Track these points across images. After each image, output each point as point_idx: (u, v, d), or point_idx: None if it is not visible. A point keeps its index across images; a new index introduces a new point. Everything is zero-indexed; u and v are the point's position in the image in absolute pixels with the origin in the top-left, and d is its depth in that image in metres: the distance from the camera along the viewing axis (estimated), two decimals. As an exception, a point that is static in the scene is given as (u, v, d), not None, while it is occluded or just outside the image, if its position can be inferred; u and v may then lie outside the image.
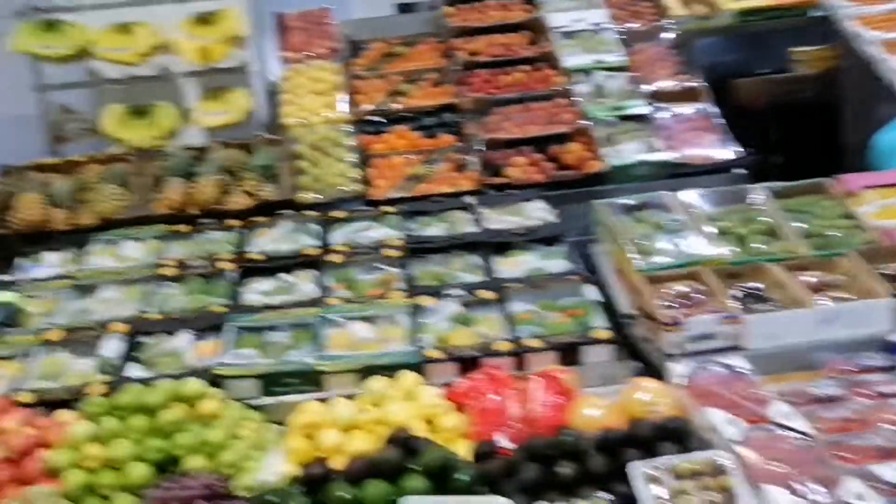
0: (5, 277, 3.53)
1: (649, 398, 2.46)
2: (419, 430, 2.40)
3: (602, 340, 2.83)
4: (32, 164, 4.07)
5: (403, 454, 2.25)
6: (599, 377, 2.78)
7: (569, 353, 2.80)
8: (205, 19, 4.28)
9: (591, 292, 3.10)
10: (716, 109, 4.46)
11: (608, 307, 3.05)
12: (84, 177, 3.96)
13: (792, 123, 5.70)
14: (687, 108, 4.48)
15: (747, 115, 4.77)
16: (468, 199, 3.82)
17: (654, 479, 2.11)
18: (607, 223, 3.28)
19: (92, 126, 4.49)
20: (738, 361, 2.61)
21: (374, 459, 2.26)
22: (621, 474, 2.18)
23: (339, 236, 3.62)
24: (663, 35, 4.93)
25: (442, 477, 2.20)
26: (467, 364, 2.75)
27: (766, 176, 3.98)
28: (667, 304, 2.82)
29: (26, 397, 2.65)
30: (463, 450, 2.36)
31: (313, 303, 3.13)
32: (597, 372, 2.79)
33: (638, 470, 2.14)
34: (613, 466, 2.22)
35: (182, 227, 3.76)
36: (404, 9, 6.72)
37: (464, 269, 3.33)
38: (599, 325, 2.91)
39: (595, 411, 2.46)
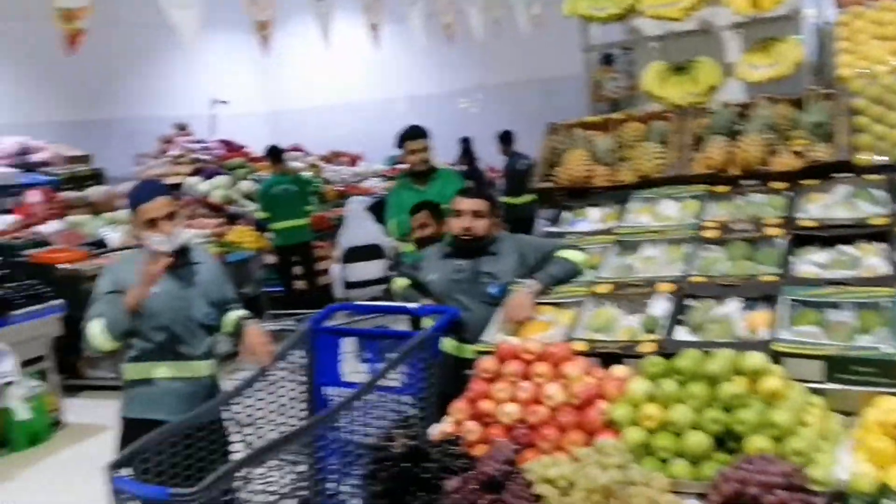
0: (553, 229, 3.77)
1: None
2: None
3: None
4: (577, 122, 4.25)
5: None
6: None
7: None
8: (758, -35, 3.98)
9: None
10: None
11: None
12: (625, 134, 4.01)
13: None
14: None
15: None
16: None
17: None
18: None
19: (632, 84, 4.55)
20: None
21: None
22: None
23: (911, 205, 3.09)
24: None
25: None
26: None
27: None
28: None
29: (581, 346, 2.75)
30: None
31: (884, 281, 2.70)
32: None
33: None
34: None
35: (721, 188, 3.59)
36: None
37: None
38: None
39: None
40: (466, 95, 13.47)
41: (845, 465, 2.11)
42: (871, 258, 2.88)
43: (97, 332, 3.02)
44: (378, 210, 7.01)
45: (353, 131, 13.26)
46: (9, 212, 7.61)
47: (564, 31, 4.80)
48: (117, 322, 3.01)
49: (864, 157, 3.47)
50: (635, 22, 4.70)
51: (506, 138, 9.75)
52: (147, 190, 3.16)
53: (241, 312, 3.29)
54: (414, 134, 4.65)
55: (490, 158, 10.78)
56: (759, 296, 2.81)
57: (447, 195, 3.84)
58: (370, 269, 7.73)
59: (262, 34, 6.07)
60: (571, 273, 3.20)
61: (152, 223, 3.04)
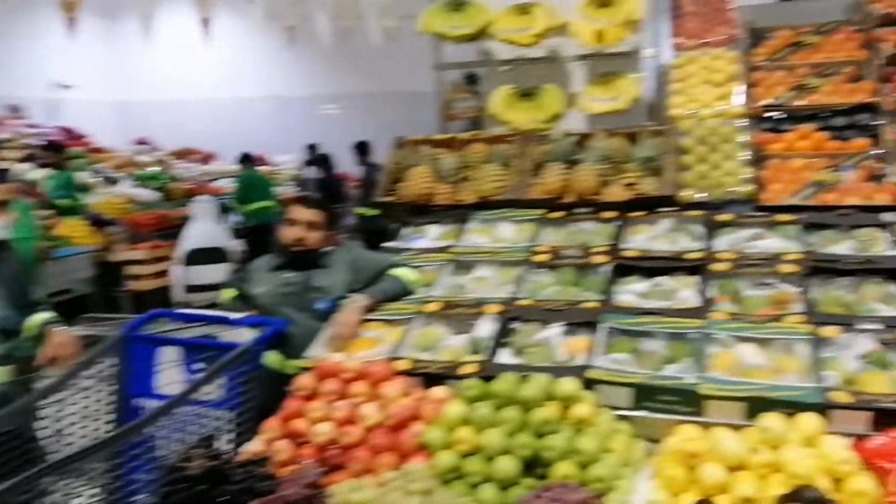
0: (391, 245, 3.74)
1: None
2: (822, 489, 2.01)
3: None
4: (424, 138, 4.26)
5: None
6: None
7: None
8: (604, 2, 4.12)
9: None
10: None
11: None
12: (469, 154, 4.05)
13: None
14: None
15: None
16: (886, 217, 3.23)
17: None
18: None
19: (481, 106, 4.61)
20: None
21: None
22: None
23: (725, 242, 3.28)
24: None
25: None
26: (884, 417, 2.28)
27: None
28: None
29: (404, 365, 2.72)
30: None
31: (694, 312, 2.84)
32: None
33: None
34: None
35: (556, 214, 3.68)
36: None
37: (881, 299, 2.80)
38: None
39: None
40: (329, 101, 13.36)
41: (642, 492, 2.18)
42: (685, 290, 3.02)
43: None
44: None
45: (209, 129, 12.82)
46: None
47: (425, 47, 4.82)
48: None
49: (686, 194, 3.66)
50: (488, 44, 4.77)
51: (362, 148, 9.70)
52: None
53: (47, 315, 3.05)
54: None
55: (349, 168, 10.72)
56: (582, 321, 2.88)
57: None
58: (213, 272, 7.45)
59: (68, 15, 5.66)
60: (403, 291, 3.18)
61: None
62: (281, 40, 10.52)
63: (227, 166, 11.13)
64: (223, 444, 2.61)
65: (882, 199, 3.44)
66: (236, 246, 8.23)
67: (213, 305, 6.07)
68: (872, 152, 3.69)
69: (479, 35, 4.45)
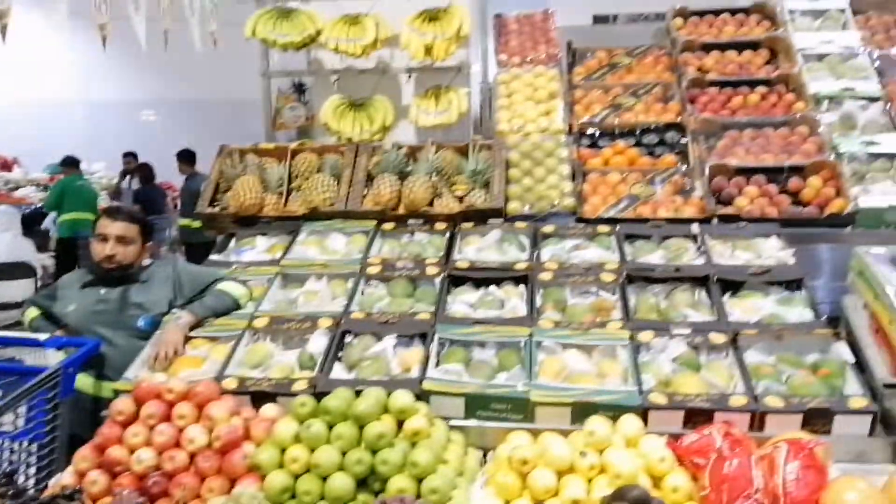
0: (217, 258, 3.58)
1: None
2: (644, 487, 2.12)
3: (859, 410, 2.43)
4: (251, 147, 4.12)
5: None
6: (851, 452, 2.41)
7: (816, 420, 2.43)
8: (433, 15, 4.18)
9: (843, 351, 2.70)
10: None
11: (859, 370, 2.64)
12: (299, 165, 3.96)
13: None
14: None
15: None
16: (694, 228, 3.48)
17: None
18: (868, 273, 2.84)
19: (310, 115, 4.53)
20: None
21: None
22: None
23: (548, 253, 3.40)
24: (927, 65, 4.35)
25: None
26: (695, 416, 2.45)
27: None
28: (944, 379, 2.38)
29: (232, 384, 2.60)
30: (695, 518, 2.06)
31: (523, 322, 2.92)
32: (849, 446, 2.41)
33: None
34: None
35: (389, 226, 3.67)
36: (599, 20, 6.44)
37: (690, 305, 3.01)
38: (855, 392, 2.52)
39: (857, 497, 2.07)
40: (148, 107, 12.69)
41: (477, 501, 2.20)
42: (514, 300, 3.10)
43: None
44: None
45: (9, 133, 11.78)
46: None
47: (253, 54, 4.67)
48: None
49: (513, 206, 3.77)
50: (318, 53, 4.70)
51: (186, 157, 9.27)
52: None
53: None
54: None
55: (172, 177, 10.21)
56: (415, 333, 2.88)
57: None
58: (15, 289, 6.84)
59: None
60: (230, 306, 3.05)
61: None
62: (93, 40, 9.84)
63: (33, 174, 10.29)
64: (27, 478, 2.38)
65: (689, 211, 3.69)
66: (43, 260, 7.62)
67: (17, 325, 5.58)
68: (680, 168, 3.96)
69: (308, 43, 4.37)
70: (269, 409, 2.44)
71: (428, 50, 4.17)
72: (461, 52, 4.38)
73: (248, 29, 4.39)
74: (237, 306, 3.07)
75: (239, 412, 2.40)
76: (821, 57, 4.42)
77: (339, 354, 2.80)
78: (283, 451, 2.24)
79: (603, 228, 3.55)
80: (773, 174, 3.85)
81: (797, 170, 3.85)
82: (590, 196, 3.85)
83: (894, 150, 3.86)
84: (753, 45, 4.64)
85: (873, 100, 4.14)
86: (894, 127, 3.98)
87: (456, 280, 3.25)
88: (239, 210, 3.77)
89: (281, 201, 3.83)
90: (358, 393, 2.38)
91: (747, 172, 3.86)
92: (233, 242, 3.70)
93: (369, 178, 3.88)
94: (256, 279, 3.31)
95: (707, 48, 4.66)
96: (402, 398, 2.35)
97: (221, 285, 3.09)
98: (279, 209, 3.81)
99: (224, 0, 4.38)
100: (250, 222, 3.81)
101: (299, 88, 5.28)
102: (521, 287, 3.18)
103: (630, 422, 2.36)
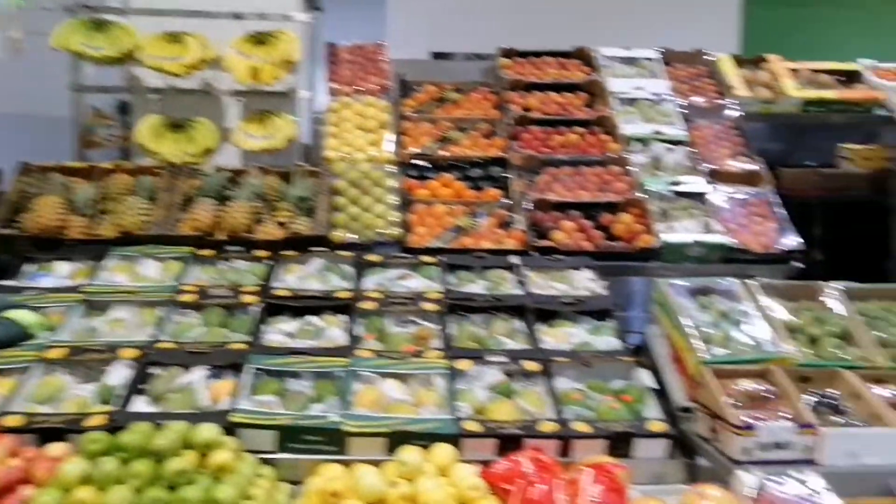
0: (9, 283, 3.28)
1: (717, 510, 2.18)
2: (455, 515, 2.11)
3: (657, 434, 2.56)
4: (55, 165, 3.84)
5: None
6: (650, 474, 2.52)
7: (619, 444, 2.53)
8: (260, 39, 4.09)
9: (645, 377, 2.84)
10: (776, 196, 4.25)
11: (660, 395, 2.79)
12: (110, 186, 3.72)
13: (836, 219, 5.51)
14: (746, 192, 4.27)
15: (790, 205, 4.54)
16: (513, 259, 3.58)
17: None
18: (667, 304, 3.02)
19: (127, 135, 4.29)
20: (812, 478, 2.32)
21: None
22: None
23: (373, 282, 3.38)
24: (725, 113, 4.74)
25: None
26: (507, 442, 2.48)
27: (813, 271, 3.79)
28: (732, 402, 2.55)
29: (15, 421, 2.37)
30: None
31: (341, 351, 2.86)
32: (648, 468, 2.53)
33: None
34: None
35: (206, 252, 3.52)
36: (438, 56, 6.61)
37: (507, 334, 3.07)
38: (654, 416, 2.65)
39: (653, 517, 2.17)
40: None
41: (284, 537, 2.11)
42: (334, 329, 3.03)
43: None
44: None
45: None
46: None
47: (63, 66, 4.36)
48: None
49: (338, 234, 3.72)
50: (136, 70, 4.47)
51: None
52: None
53: None
54: None
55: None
56: (228, 364, 2.75)
57: None
58: None
59: None
60: (19, 336, 2.79)
61: None
62: None
63: None
64: None
65: (510, 243, 3.79)
66: None
67: None
68: (503, 201, 4.07)
69: (125, 59, 4.15)
70: (55, 448, 2.23)
71: (254, 74, 4.07)
72: (290, 77, 4.31)
73: (56, 39, 4.10)
74: (28, 336, 2.81)
75: (19, 453, 2.17)
76: (633, 101, 4.71)
77: (143, 387, 2.63)
78: (67, 493, 2.05)
79: (427, 259, 3.57)
80: (589, 209, 4.04)
81: (610, 206, 4.05)
82: (416, 226, 3.87)
83: (696, 190, 4.17)
84: (574, 88, 4.88)
85: (679, 143, 4.45)
86: (696, 169, 4.30)
87: (275, 309, 3.14)
88: (39, 231, 3.48)
89: (88, 224, 3.58)
90: (159, 427, 2.23)
91: (565, 207, 4.02)
92: (29, 266, 3.41)
93: (188, 202, 3.71)
94: (54, 307, 3.05)
95: (531, 88, 4.85)
96: (207, 431, 2.23)
97: (10, 313, 2.83)
98: (86, 232, 3.55)
99: (30, 6, 4.08)
100: (52, 246, 3.53)
101: (123, 108, 5.01)
102: (342, 316, 3.12)
103: (442, 450, 2.35)
